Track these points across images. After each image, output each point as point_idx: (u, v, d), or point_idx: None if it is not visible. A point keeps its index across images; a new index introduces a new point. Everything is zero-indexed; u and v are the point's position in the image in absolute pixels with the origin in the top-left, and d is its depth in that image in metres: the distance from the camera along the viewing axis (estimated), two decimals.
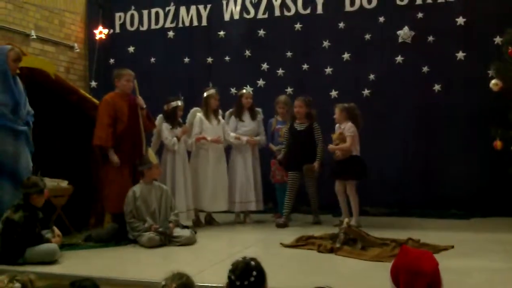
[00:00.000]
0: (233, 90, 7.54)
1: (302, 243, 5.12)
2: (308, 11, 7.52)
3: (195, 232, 5.48)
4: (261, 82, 7.65)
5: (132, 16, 8.31)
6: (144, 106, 5.79)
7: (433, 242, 4.93)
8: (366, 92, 7.21)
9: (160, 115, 6.33)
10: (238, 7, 7.77)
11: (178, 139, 6.22)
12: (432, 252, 2.49)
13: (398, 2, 7.15)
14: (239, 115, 6.68)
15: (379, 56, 7.21)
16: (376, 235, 5.07)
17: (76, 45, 8.24)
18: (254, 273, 2.31)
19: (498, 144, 5.88)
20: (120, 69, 5.96)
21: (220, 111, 6.64)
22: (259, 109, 6.86)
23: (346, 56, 7.35)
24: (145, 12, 8.24)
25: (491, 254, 4.58)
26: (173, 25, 8.10)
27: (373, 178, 6.42)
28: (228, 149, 6.74)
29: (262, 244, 5.43)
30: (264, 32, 7.68)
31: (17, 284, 2.31)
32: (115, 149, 5.60)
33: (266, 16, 7.69)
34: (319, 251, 4.81)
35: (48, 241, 4.59)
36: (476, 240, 5.25)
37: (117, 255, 4.94)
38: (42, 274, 3.84)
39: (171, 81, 7.70)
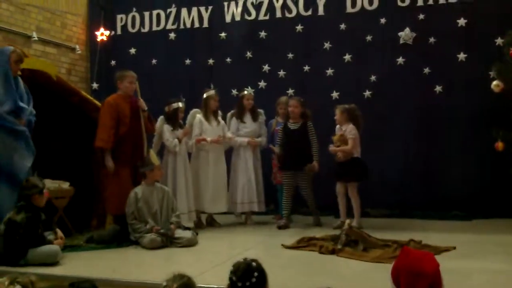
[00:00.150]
0: (234, 92, 7.55)
1: (303, 244, 5.11)
2: (309, 12, 7.52)
3: (197, 234, 5.49)
4: (262, 84, 7.65)
5: (133, 18, 8.32)
6: (146, 108, 5.78)
7: (434, 243, 4.93)
8: (367, 93, 7.21)
9: (161, 117, 6.34)
10: (239, 9, 7.78)
11: (179, 141, 6.23)
12: (433, 254, 2.49)
13: (399, 4, 7.14)
14: (240, 117, 6.69)
15: (380, 58, 7.20)
16: (377, 236, 5.07)
17: (77, 46, 8.25)
18: (256, 274, 2.31)
19: (499, 145, 5.88)
20: (122, 71, 5.93)
21: (220, 112, 6.65)
22: (261, 111, 6.86)
23: (347, 57, 7.36)
24: (146, 14, 8.25)
25: (492, 256, 4.58)
26: (174, 26, 8.10)
27: (374, 180, 6.42)
28: (230, 151, 6.74)
29: (263, 245, 5.42)
30: (265, 33, 7.68)
31: (18, 286, 2.31)
32: (116, 150, 5.59)
33: (267, 17, 7.69)
34: (320, 253, 4.81)
35: (50, 242, 4.60)
36: (477, 241, 5.24)
37: (119, 256, 4.94)
38: (43, 275, 3.85)
39: (172, 83, 7.71)
